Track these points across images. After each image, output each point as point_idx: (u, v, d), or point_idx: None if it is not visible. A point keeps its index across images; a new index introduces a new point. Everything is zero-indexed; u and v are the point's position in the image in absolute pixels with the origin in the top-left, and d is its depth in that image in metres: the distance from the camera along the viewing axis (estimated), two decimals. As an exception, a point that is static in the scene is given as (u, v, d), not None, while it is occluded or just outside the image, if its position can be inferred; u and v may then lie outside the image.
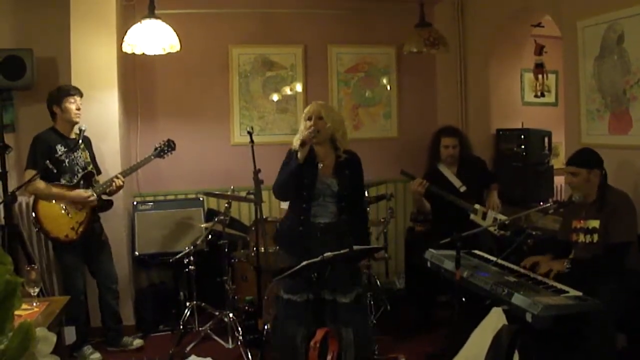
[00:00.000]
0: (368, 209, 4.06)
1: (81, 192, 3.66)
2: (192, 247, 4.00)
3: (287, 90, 5.12)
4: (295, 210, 3.18)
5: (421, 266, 3.35)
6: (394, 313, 4.38)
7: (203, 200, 4.70)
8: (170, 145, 4.01)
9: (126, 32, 3.73)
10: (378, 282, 4.54)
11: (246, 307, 3.99)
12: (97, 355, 3.73)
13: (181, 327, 3.93)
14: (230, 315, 3.88)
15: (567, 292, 2.61)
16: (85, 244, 3.74)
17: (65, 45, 4.13)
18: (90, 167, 3.80)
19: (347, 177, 3.15)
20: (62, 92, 3.69)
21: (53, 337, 1.14)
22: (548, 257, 3.17)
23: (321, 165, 3.14)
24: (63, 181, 3.65)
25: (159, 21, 3.71)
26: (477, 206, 4.01)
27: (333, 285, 3.00)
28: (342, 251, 2.65)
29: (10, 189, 3.82)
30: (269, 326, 3.60)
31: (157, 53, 3.81)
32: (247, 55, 5.02)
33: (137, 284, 4.64)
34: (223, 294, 4.06)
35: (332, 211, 3.13)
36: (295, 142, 3.11)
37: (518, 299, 2.48)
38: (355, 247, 2.74)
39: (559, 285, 2.71)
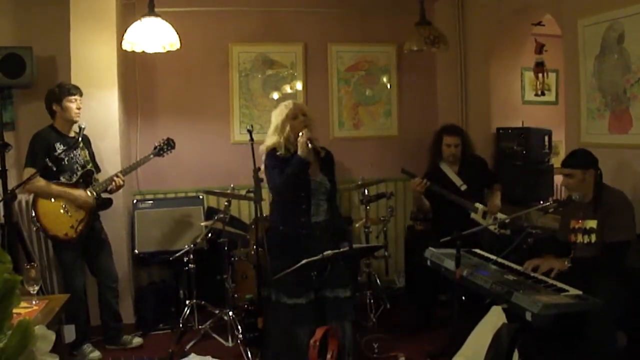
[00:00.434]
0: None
1: (83, 194, 3.66)
2: (192, 246, 4.00)
3: (287, 89, 5.11)
4: (291, 212, 3.09)
5: (421, 265, 3.34)
6: (393, 312, 4.39)
7: (203, 198, 4.70)
8: (169, 144, 4.01)
9: (126, 30, 3.73)
10: (378, 281, 4.54)
11: (246, 306, 3.98)
12: (96, 353, 3.73)
13: (181, 325, 3.93)
14: (230, 313, 3.87)
15: (567, 290, 2.61)
16: (85, 242, 3.73)
17: (65, 44, 4.13)
18: (89, 166, 3.79)
19: (332, 173, 3.19)
20: (62, 91, 3.66)
21: (52, 335, 1.14)
22: (548, 258, 3.16)
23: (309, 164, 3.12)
24: (62, 179, 3.64)
25: (159, 19, 3.70)
26: (477, 205, 4.01)
27: (333, 283, 3.00)
28: (342, 249, 2.64)
29: (10, 187, 3.82)
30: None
31: (157, 51, 3.81)
32: (247, 53, 5.01)
33: (136, 282, 4.64)
34: (223, 292, 4.06)
35: (324, 209, 3.13)
36: (272, 143, 3.09)
37: (518, 298, 2.47)
38: (355, 246, 2.74)
39: (559, 284, 2.70)
